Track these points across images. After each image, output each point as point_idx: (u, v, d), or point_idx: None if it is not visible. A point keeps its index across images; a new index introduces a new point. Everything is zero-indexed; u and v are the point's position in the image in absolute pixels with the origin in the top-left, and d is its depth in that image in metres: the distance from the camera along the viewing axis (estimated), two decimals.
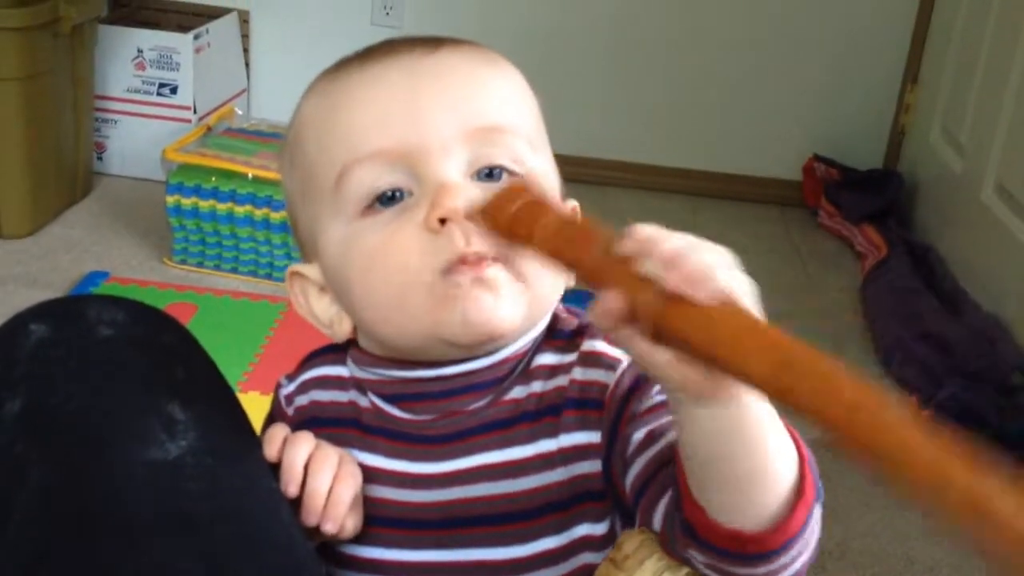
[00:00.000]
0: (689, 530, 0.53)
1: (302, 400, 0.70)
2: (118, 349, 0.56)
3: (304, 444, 0.62)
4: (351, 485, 0.62)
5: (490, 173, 0.61)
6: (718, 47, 2.52)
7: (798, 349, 0.43)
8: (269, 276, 2.06)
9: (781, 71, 2.51)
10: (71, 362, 0.54)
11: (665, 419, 0.59)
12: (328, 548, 0.66)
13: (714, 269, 0.46)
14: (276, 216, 2.01)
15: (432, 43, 0.64)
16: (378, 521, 0.64)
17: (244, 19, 2.61)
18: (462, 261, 0.58)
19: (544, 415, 0.63)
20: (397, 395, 0.65)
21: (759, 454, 0.50)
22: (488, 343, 0.61)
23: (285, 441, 0.62)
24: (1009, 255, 1.90)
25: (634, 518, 0.59)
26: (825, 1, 2.47)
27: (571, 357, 0.64)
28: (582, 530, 0.62)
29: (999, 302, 1.90)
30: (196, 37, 2.37)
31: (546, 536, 0.62)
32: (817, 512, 0.52)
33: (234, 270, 2.07)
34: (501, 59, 0.66)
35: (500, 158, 0.61)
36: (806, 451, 0.52)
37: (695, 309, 0.45)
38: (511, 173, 0.61)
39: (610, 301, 0.47)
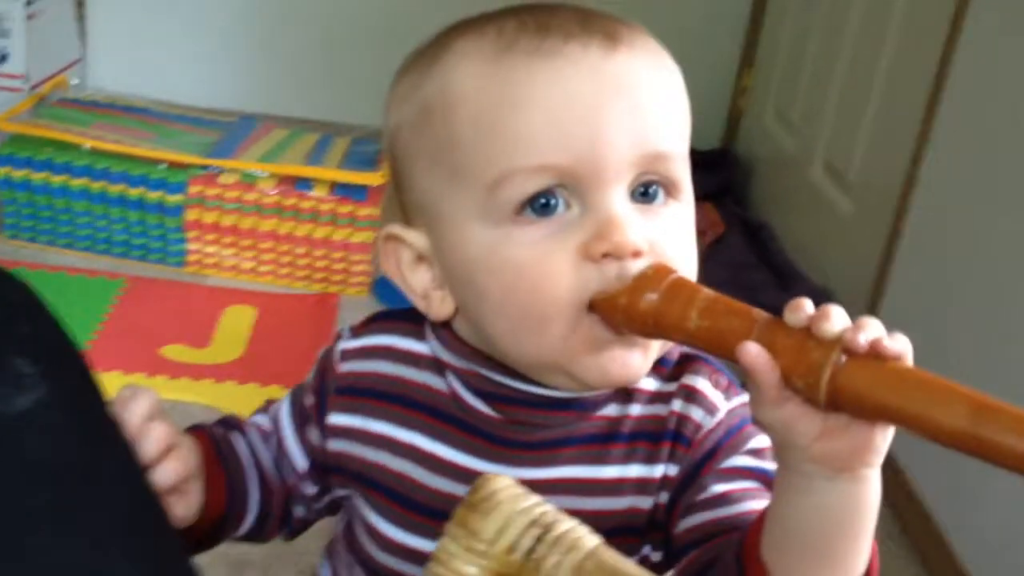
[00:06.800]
0: None
1: (361, 366, 0.67)
2: None
3: (138, 406, 0.59)
4: (171, 471, 0.59)
5: (645, 192, 0.58)
6: None
7: (988, 399, 0.44)
8: (107, 251, 2.00)
9: None
10: None
11: (745, 485, 0.60)
12: (373, 529, 0.65)
13: (887, 332, 0.47)
14: (114, 189, 1.95)
15: (610, 35, 0.59)
16: (431, 512, 0.63)
17: None
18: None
19: (640, 439, 0.62)
20: (486, 392, 0.63)
21: (854, 536, 0.52)
22: (613, 388, 0.61)
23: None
24: (834, 230, 2.01)
25: (668, 549, 0.61)
26: None
27: (671, 387, 0.63)
28: (645, 552, 0.63)
29: (826, 274, 2.00)
30: (28, 3, 2.26)
31: None
32: None
33: (70, 245, 2.00)
34: (667, 57, 0.62)
35: (662, 182, 0.59)
36: (877, 563, 0.54)
37: (881, 365, 0.47)
38: (668, 194, 0.59)
39: (770, 360, 0.49)
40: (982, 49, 1.54)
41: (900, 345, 0.47)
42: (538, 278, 0.56)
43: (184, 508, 0.61)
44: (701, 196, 2.44)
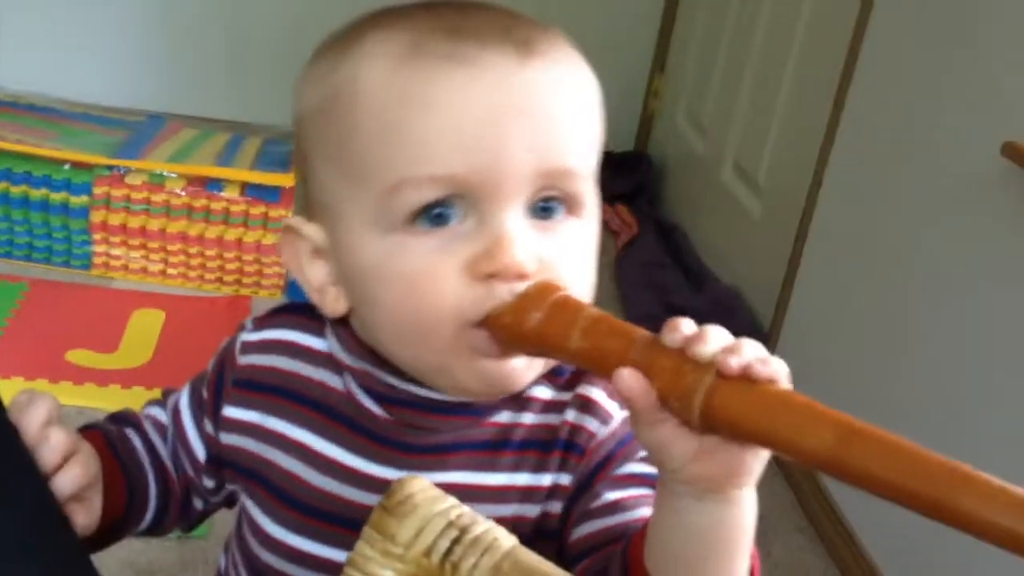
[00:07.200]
0: None
1: (260, 360, 0.66)
2: None
3: (36, 413, 0.58)
4: (73, 478, 0.58)
5: (546, 208, 0.57)
6: None
7: (855, 423, 0.44)
8: (9, 255, 1.94)
9: None
10: None
11: (638, 492, 0.59)
12: (256, 527, 0.64)
13: (765, 354, 0.47)
14: (16, 190, 1.89)
15: (525, 43, 0.56)
16: (316, 513, 0.62)
17: None
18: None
19: (531, 448, 0.62)
20: (378, 393, 0.62)
21: (728, 556, 0.52)
22: (498, 396, 0.60)
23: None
24: (744, 230, 2.04)
25: (561, 558, 0.60)
26: None
27: (566, 396, 0.63)
28: None
29: (736, 275, 2.03)
30: None
31: None
32: None
33: None
34: (584, 68, 0.60)
35: (563, 198, 0.57)
36: (758, 567, 0.54)
37: (752, 389, 0.47)
38: (568, 211, 0.58)
39: (645, 385, 0.48)
40: (885, 53, 1.58)
41: (772, 369, 0.47)
42: (424, 293, 0.55)
43: (85, 516, 0.60)
44: (616, 197, 2.48)
